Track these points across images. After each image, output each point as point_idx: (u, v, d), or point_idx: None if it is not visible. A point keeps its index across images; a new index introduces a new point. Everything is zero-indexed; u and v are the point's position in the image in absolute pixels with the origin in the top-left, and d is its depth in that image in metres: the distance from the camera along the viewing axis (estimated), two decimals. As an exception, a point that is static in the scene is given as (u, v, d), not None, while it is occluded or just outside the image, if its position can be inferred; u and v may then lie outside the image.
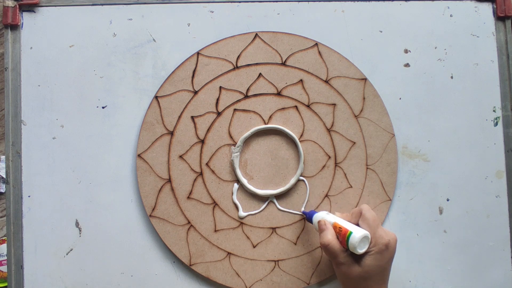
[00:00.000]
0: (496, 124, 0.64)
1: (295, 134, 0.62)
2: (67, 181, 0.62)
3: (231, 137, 0.62)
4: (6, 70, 0.62)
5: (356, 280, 0.54)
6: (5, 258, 0.61)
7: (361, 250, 0.53)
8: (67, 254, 0.61)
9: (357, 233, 0.53)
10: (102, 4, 0.63)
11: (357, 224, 0.57)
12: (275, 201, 0.62)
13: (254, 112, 0.63)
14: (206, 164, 0.62)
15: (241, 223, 0.62)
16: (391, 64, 0.64)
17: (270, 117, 0.63)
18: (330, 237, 0.55)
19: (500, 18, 0.64)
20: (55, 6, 0.63)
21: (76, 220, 0.62)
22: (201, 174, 0.62)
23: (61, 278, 0.61)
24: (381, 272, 0.54)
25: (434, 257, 0.62)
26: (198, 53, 0.63)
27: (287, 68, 0.63)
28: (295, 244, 0.62)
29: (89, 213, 0.62)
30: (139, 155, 0.62)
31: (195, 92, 0.63)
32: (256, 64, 0.63)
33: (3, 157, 0.62)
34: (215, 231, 0.61)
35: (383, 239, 0.54)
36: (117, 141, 0.62)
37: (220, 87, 0.63)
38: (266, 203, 0.62)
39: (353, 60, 0.63)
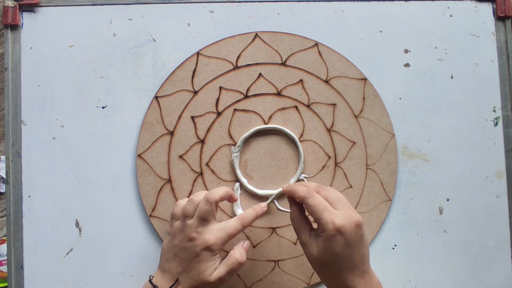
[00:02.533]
0: (496, 124, 0.64)
1: (295, 134, 0.62)
2: (67, 181, 0.62)
3: (231, 137, 0.62)
4: (6, 70, 0.62)
5: (313, 264, 0.52)
6: (5, 258, 0.61)
7: None
8: (67, 254, 0.61)
9: None
10: (102, 4, 0.63)
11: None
12: (275, 201, 0.62)
13: (254, 112, 0.63)
14: (206, 164, 0.62)
15: (241, 223, 0.62)
16: (391, 64, 0.64)
17: (270, 117, 0.63)
18: (293, 213, 0.55)
19: (500, 18, 0.64)
20: (55, 6, 0.63)
21: (76, 220, 0.62)
22: (201, 174, 0.62)
23: (61, 278, 0.61)
24: (338, 261, 0.49)
25: (434, 257, 0.62)
26: (198, 53, 0.63)
27: (287, 68, 0.63)
28: (295, 244, 0.62)
29: (89, 213, 0.62)
30: (139, 155, 0.62)
31: (195, 92, 0.63)
32: (256, 64, 0.63)
33: (3, 157, 0.62)
34: (215, 231, 0.61)
35: (333, 224, 0.48)
36: (117, 141, 0.62)
37: (220, 87, 0.63)
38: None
39: (353, 60, 0.63)
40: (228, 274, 0.54)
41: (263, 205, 0.58)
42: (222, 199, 0.55)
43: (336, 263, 0.49)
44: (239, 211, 0.61)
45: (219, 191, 0.55)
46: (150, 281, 0.53)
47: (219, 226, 0.54)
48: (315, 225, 0.53)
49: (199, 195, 0.55)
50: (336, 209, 0.51)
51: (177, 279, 0.53)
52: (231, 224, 0.54)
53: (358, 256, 0.50)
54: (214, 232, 0.53)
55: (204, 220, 0.53)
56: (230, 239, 0.54)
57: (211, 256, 0.52)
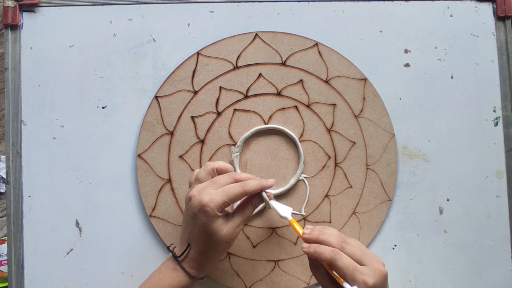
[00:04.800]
0: (496, 124, 0.64)
1: (295, 134, 0.62)
2: (67, 181, 0.62)
3: (231, 137, 0.62)
4: (6, 70, 0.62)
5: None
6: (6, 258, 0.61)
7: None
8: (67, 254, 0.61)
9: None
10: (102, 4, 0.63)
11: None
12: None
13: (254, 112, 0.63)
14: (206, 164, 0.62)
15: (241, 223, 0.62)
16: (391, 64, 0.64)
17: (270, 117, 0.63)
18: (316, 270, 0.54)
19: (500, 18, 0.64)
20: (55, 6, 0.63)
21: (76, 220, 0.62)
22: (201, 174, 0.62)
23: (61, 278, 0.61)
24: None
25: (434, 257, 0.62)
26: (198, 53, 0.63)
27: (287, 68, 0.63)
28: (295, 244, 0.62)
29: (89, 213, 0.62)
30: (139, 155, 0.62)
31: (195, 92, 0.63)
32: (256, 64, 0.63)
33: (3, 157, 0.62)
34: (215, 231, 0.61)
35: (366, 285, 0.49)
36: (117, 141, 0.62)
37: (220, 87, 0.63)
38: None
39: (353, 60, 0.63)
40: (239, 225, 0.53)
41: (270, 180, 0.56)
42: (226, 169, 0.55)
43: None
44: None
45: (224, 163, 0.56)
46: (168, 247, 0.55)
47: (220, 188, 0.52)
48: None
49: (216, 163, 0.55)
50: (363, 264, 0.50)
51: (189, 245, 0.53)
52: (231, 186, 0.52)
53: None
54: (211, 193, 0.51)
55: (213, 183, 0.52)
56: (229, 201, 0.52)
57: (210, 217, 0.51)
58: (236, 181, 0.53)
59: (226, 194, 0.52)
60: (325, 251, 0.51)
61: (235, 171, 0.61)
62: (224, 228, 0.52)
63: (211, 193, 0.51)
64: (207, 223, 0.51)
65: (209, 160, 0.62)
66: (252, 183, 0.53)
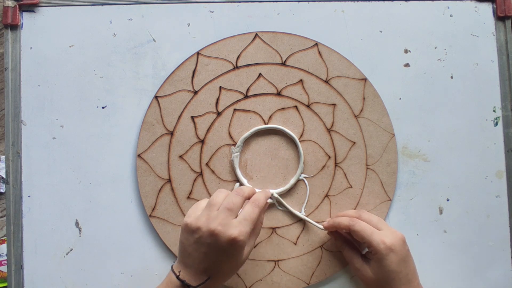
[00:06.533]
0: (496, 124, 0.64)
1: (295, 134, 0.62)
2: (67, 181, 0.62)
3: (231, 137, 0.62)
4: (6, 70, 0.62)
5: (372, 285, 0.55)
6: (5, 258, 0.61)
7: None
8: (67, 254, 0.61)
9: None
10: (102, 4, 0.63)
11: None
12: (275, 200, 0.62)
13: (254, 112, 0.63)
14: (206, 164, 0.62)
15: (241, 223, 0.62)
16: (391, 64, 0.64)
17: (270, 117, 0.63)
18: (341, 244, 0.59)
19: (500, 18, 0.64)
20: (55, 6, 0.63)
21: (76, 220, 0.62)
22: (201, 174, 0.62)
23: (61, 278, 0.61)
24: (395, 276, 0.53)
25: (434, 257, 0.62)
26: (198, 53, 0.63)
27: (287, 68, 0.63)
28: (295, 244, 0.62)
29: (89, 213, 0.62)
30: (139, 155, 0.62)
31: (195, 92, 0.63)
32: (256, 64, 0.63)
33: (3, 157, 0.62)
34: (215, 231, 0.61)
35: (384, 243, 0.53)
36: (117, 141, 0.62)
37: (220, 87, 0.63)
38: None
39: (353, 60, 0.63)
40: (254, 245, 0.56)
41: (269, 190, 0.60)
42: (249, 196, 0.55)
43: (394, 280, 0.53)
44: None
45: (247, 189, 0.55)
46: (177, 277, 0.51)
47: (238, 217, 0.52)
48: None
49: (246, 188, 0.55)
50: (380, 229, 0.55)
51: (208, 278, 0.51)
52: (248, 211, 0.52)
53: (410, 270, 0.54)
54: (236, 225, 0.51)
55: (231, 211, 0.51)
56: (253, 226, 0.52)
57: (241, 248, 0.51)
58: (245, 198, 0.54)
59: (250, 222, 0.52)
60: (342, 220, 0.57)
61: (235, 171, 0.62)
62: (246, 252, 0.53)
63: (236, 226, 0.51)
64: (238, 254, 0.52)
65: (209, 160, 0.62)
66: (260, 197, 0.54)
